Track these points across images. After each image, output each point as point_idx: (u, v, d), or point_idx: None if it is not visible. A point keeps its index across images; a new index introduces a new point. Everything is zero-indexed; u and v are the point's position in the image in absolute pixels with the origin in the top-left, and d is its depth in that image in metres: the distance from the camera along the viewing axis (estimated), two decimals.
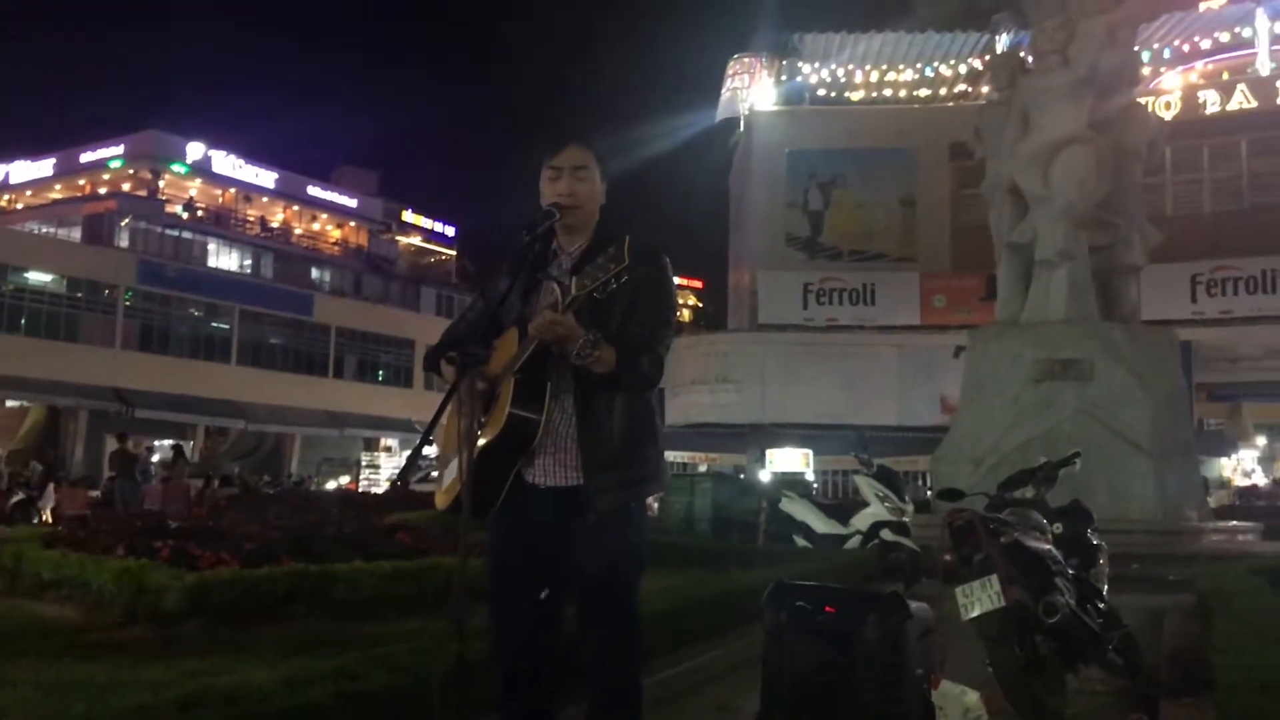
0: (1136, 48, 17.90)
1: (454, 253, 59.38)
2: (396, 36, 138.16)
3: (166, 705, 3.43)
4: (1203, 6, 30.20)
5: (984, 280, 24.60)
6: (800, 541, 11.51)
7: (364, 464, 36.13)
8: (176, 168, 46.41)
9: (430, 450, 3.36)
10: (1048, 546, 4.84)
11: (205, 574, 6.02)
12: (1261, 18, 30.48)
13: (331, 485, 34.28)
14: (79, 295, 36.87)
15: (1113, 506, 11.05)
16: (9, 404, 36.01)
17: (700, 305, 72.97)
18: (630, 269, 2.86)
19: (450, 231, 59.94)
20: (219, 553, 6.46)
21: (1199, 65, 31.69)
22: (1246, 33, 30.97)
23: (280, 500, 14.97)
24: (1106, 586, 5.39)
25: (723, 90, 37.03)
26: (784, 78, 35.29)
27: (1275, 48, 30.61)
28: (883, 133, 32.97)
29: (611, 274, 2.80)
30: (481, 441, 2.88)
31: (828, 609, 3.29)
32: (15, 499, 19.94)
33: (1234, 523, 14.47)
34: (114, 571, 6.20)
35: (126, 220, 42.03)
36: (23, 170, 48.93)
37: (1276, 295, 27.18)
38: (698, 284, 75.38)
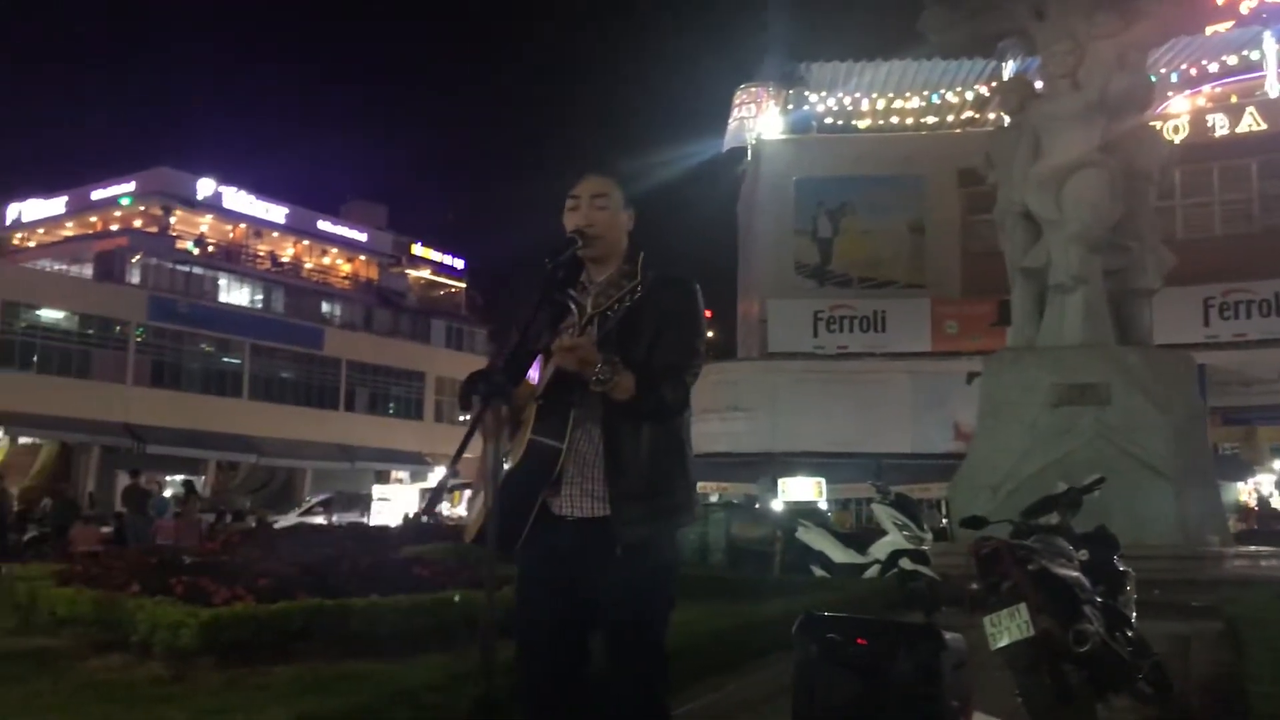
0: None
1: (463, 285, 59.52)
2: (404, 69, 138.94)
3: None
4: (1210, 30, 30.29)
5: (995, 305, 24.57)
6: (818, 571, 11.43)
7: (375, 497, 35.98)
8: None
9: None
10: (1075, 574, 4.75)
11: (220, 610, 5.93)
12: (1269, 41, 30.54)
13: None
14: (90, 332, 37.09)
15: (1132, 531, 10.80)
16: (22, 441, 35.99)
17: (710, 334, 72.92)
18: (656, 294, 2.82)
19: (459, 264, 60.04)
20: (234, 588, 6.39)
21: (1207, 89, 31.73)
22: (1255, 55, 31.02)
23: (294, 535, 14.90)
24: (1134, 614, 5.30)
25: (730, 120, 37.20)
26: (791, 106, 35.44)
27: None
28: (890, 160, 33.01)
29: (625, 290, 2.74)
30: (505, 470, 2.82)
31: (859, 641, 3.23)
32: (29, 535, 19.90)
33: (1255, 547, 14.29)
34: (128, 609, 6.15)
35: (137, 257, 42.20)
36: (35, 208, 49.10)
37: None
38: (707, 313, 74.94)
